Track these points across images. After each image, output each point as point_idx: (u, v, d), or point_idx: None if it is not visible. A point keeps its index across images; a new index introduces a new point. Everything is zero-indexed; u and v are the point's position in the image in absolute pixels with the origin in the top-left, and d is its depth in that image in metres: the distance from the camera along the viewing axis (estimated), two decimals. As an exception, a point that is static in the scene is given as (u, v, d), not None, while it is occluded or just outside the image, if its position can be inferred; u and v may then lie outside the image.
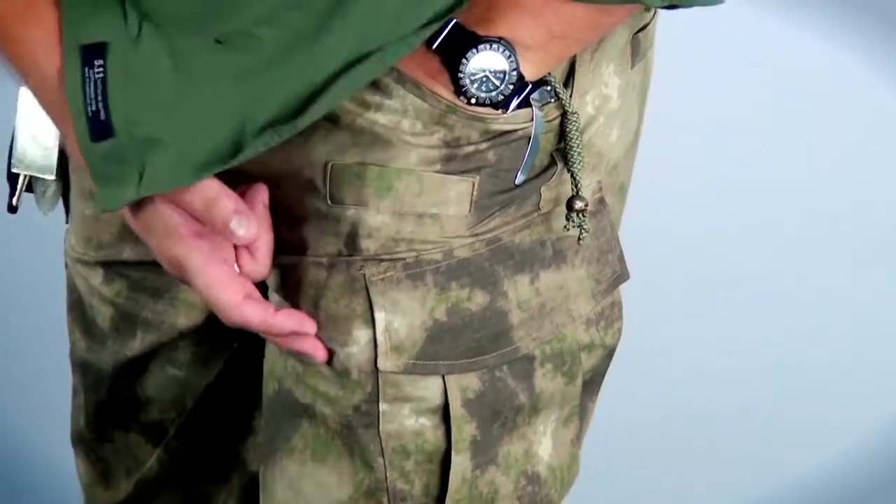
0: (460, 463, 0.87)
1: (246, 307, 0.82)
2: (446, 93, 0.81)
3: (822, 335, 2.03)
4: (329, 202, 0.84)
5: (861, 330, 2.04)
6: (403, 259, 0.84)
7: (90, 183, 0.96)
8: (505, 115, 0.82)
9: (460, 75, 0.80)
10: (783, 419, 1.94)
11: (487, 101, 0.81)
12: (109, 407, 1.07)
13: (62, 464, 1.13)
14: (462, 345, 0.86)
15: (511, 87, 0.81)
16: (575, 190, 0.85)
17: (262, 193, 0.82)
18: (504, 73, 0.80)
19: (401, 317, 0.85)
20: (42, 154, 0.99)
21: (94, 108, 0.76)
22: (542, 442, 0.90)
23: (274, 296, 0.90)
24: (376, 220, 0.83)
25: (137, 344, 1.02)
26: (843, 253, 2.09)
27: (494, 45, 0.79)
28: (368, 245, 0.84)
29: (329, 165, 0.83)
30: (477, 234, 0.85)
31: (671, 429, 1.92)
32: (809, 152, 2.13)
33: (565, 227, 0.85)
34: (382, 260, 0.84)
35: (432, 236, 0.84)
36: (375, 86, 0.80)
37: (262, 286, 0.92)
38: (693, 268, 2.03)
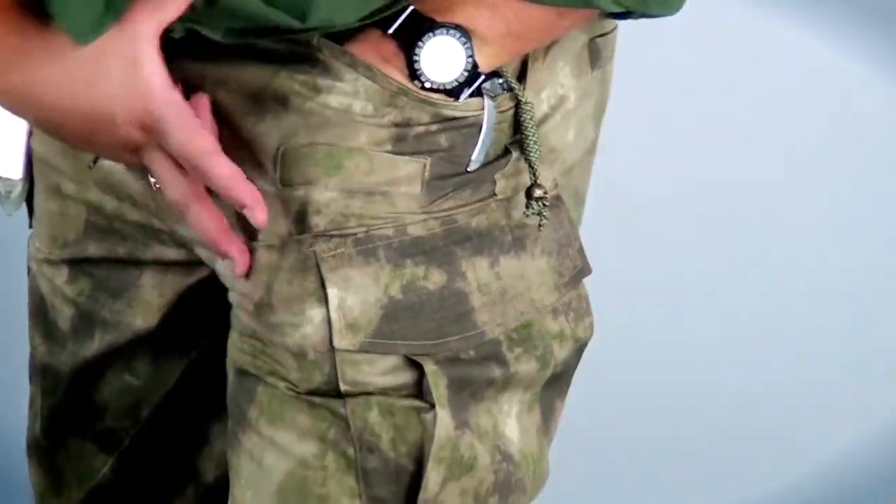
0: (444, 418, 0.87)
1: (221, 157, 0.81)
2: (399, 76, 0.82)
3: (822, 335, 2.04)
4: (279, 185, 0.85)
5: (861, 330, 2.04)
6: (354, 234, 0.85)
7: (56, 179, 0.98)
8: (456, 103, 0.83)
9: (415, 58, 0.82)
10: (782, 420, 1.95)
11: (441, 88, 0.83)
12: (65, 412, 1.06)
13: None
14: (422, 324, 0.86)
15: (465, 74, 0.83)
16: (533, 178, 0.86)
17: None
18: (458, 59, 0.82)
19: (354, 293, 0.85)
20: (8, 154, 0.99)
21: None
22: (508, 423, 0.91)
23: (235, 311, 0.91)
24: (325, 196, 0.84)
25: (95, 345, 1.02)
26: (841, 253, 2.10)
27: (451, 32, 0.81)
28: (318, 221, 0.85)
29: (280, 150, 0.84)
30: (430, 213, 0.86)
31: (666, 430, 1.92)
32: (809, 152, 2.13)
33: (525, 213, 0.87)
34: (332, 236, 0.85)
35: (382, 212, 0.85)
36: (326, 70, 0.82)
37: (219, 285, 0.93)
38: (692, 267, 2.03)
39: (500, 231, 0.88)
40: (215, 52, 0.83)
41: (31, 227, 1.05)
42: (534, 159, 0.86)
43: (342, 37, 0.82)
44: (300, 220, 0.85)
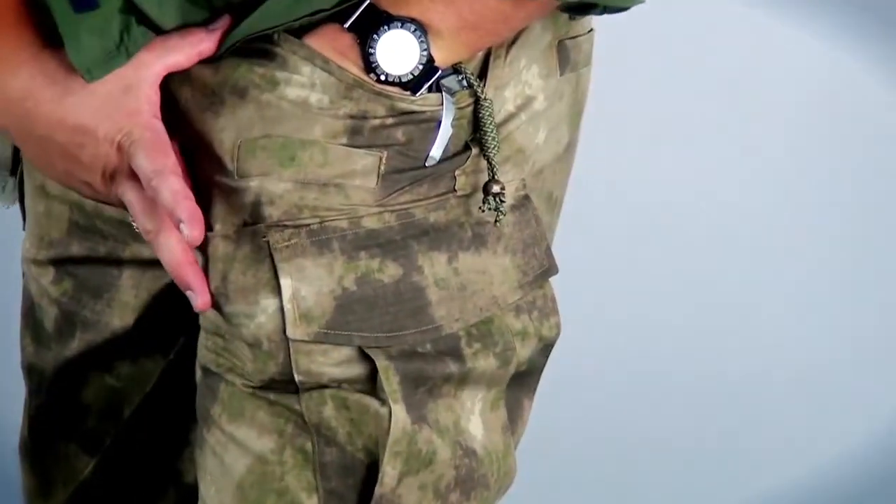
0: (398, 412, 0.87)
1: (175, 177, 0.83)
2: (355, 69, 0.84)
3: (822, 335, 2.01)
4: (236, 177, 0.86)
5: (861, 330, 2.02)
6: (308, 226, 0.86)
7: (41, 178, 1.00)
8: (412, 97, 0.84)
9: (370, 51, 0.83)
10: (782, 420, 1.94)
11: (396, 80, 0.84)
12: (50, 413, 1.08)
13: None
14: (377, 317, 0.87)
15: (420, 67, 0.84)
16: (491, 174, 0.87)
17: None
18: (413, 52, 0.83)
19: (307, 284, 0.86)
20: (1, 149, 1.02)
21: None
22: (472, 420, 0.91)
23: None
24: (279, 187, 0.85)
25: (75, 345, 1.03)
26: (841, 253, 2.07)
27: (406, 25, 0.83)
28: (271, 212, 0.86)
29: (237, 143, 0.85)
30: (385, 206, 0.86)
31: (666, 430, 1.91)
32: (808, 152, 2.11)
33: (480, 208, 0.87)
34: (286, 227, 0.86)
35: (337, 204, 0.86)
36: (285, 63, 0.84)
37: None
38: (691, 268, 2.02)
39: (459, 227, 0.88)
40: None
41: (24, 228, 1.07)
42: (492, 155, 0.87)
43: (301, 32, 0.84)
44: (254, 210, 0.86)
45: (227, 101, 0.85)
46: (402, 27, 0.83)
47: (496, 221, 0.88)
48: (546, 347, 0.94)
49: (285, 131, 0.85)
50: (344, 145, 0.85)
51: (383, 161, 0.86)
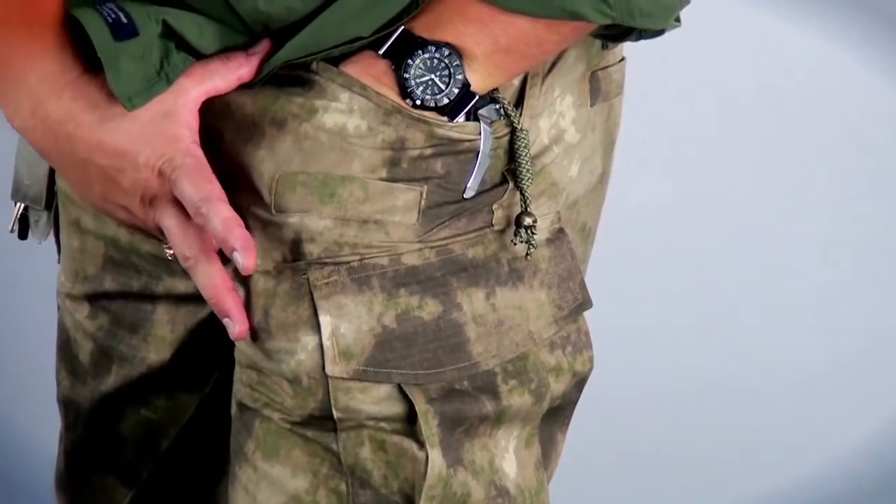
0: (435, 458, 0.87)
1: (224, 204, 0.83)
2: (392, 94, 0.84)
3: (821, 335, 2.01)
4: (273, 211, 0.86)
5: (861, 330, 2.02)
6: (348, 263, 0.86)
7: (76, 213, 1.00)
8: (450, 123, 0.84)
9: (405, 76, 0.83)
10: (782, 421, 1.94)
11: (433, 104, 0.84)
12: (87, 447, 1.08)
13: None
14: (416, 354, 0.87)
15: (456, 91, 0.84)
16: (523, 206, 0.87)
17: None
18: (448, 76, 0.83)
19: (347, 321, 0.86)
20: (34, 184, 1.02)
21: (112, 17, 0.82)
22: (506, 458, 0.90)
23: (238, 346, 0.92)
24: (319, 224, 0.85)
25: (111, 379, 1.03)
26: (841, 253, 2.08)
27: (440, 50, 0.83)
28: (311, 249, 0.86)
29: (276, 177, 0.85)
30: (425, 242, 0.86)
31: (664, 433, 1.91)
32: (807, 153, 2.11)
33: (512, 241, 0.87)
34: (326, 264, 0.86)
35: (377, 241, 0.86)
36: (322, 91, 0.84)
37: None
38: (690, 268, 2.02)
39: (497, 262, 0.88)
40: None
41: (59, 262, 1.08)
42: (525, 187, 0.87)
43: (338, 61, 0.84)
44: (294, 247, 0.86)
45: (266, 132, 0.85)
46: (436, 52, 0.83)
47: (527, 255, 0.88)
48: (580, 382, 0.94)
49: (324, 166, 0.85)
50: (384, 180, 0.85)
51: (424, 196, 0.86)
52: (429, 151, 0.85)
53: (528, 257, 0.88)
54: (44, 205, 1.03)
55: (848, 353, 2.01)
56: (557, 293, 0.91)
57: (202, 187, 0.83)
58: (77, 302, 1.04)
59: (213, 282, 0.86)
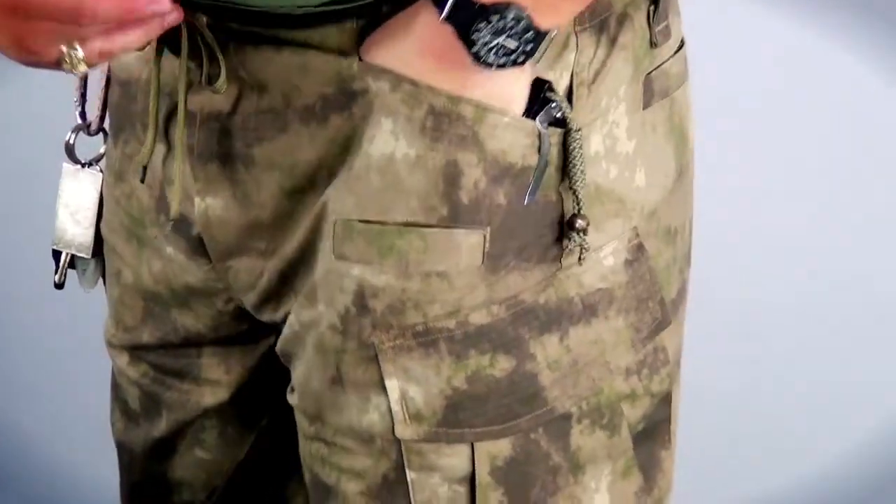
0: None
1: None
2: (447, 85, 0.80)
3: (822, 336, 2.01)
4: (334, 256, 0.84)
5: (861, 331, 2.01)
6: (413, 326, 0.84)
7: (118, 265, 1.00)
8: (506, 120, 0.81)
9: (475, 49, 0.79)
10: (781, 421, 1.94)
11: (509, 64, 0.79)
12: (143, 489, 1.07)
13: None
14: (490, 411, 0.85)
15: (530, 44, 0.79)
16: (577, 208, 0.84)
17: None
18: (518, 35, 0.78)
19: (415, 385, 0.84)
20: (80, 232, 1.02)
21: None
22: (596, 499, 0.88)
23: (299, 391, 0.90)
24: (381, 280, 0.83)
25: (163, 424, 1.02)
26: (839, 252, 2.06)
27: (505, 14, 0.78)
28: (375, 305, 0.84)
29: (335, 222, 0.83)
30: (493, 296, 0.84)
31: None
32: (808, 153, 2.09)
33: (564, 245, 0.84)
34: (392, 327, 0.84)
35: (441, 296, 0.83)
36: (369, 107, 0.82)
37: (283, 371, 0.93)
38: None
39: (569, 303, 0.85)
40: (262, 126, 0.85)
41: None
42: (578, 188, 0.83)
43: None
44: (358, 300, 0.84)
45: (324, 175, 0.83)
46: (500, 18, 0.78)
47: (580, 259, 0.85)
48: (663, 400, 0.91)
49: (380, 212, 0.82)
50: (444, 226, 0.82)
51: (487, 238, 0.83)
52: (484, 181, 0.82)
53: (581, 261, 0.85)
54: (91, 253, 1.02)
55: (848, 353, 2.00)
56: (636, 316, 0.88)
57: None
58: (117, 350, 1.03)
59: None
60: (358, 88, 0.82)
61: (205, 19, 0.83)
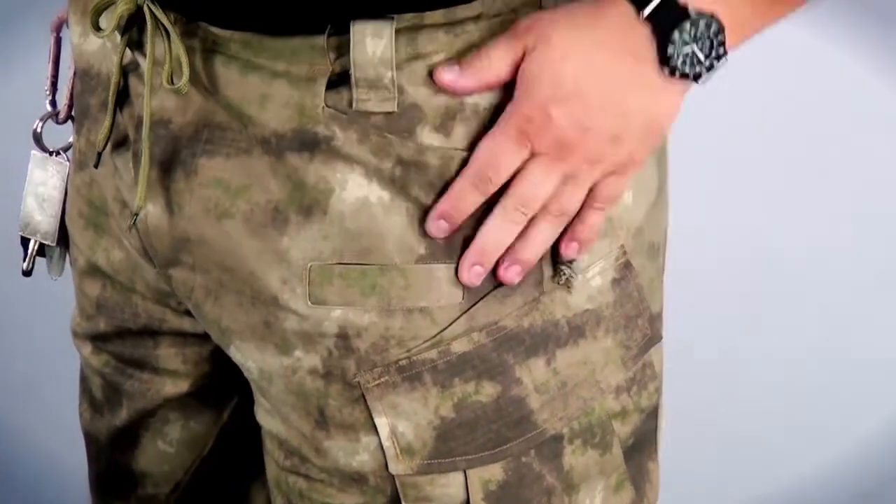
0: None
1: None
2: (624, 76, 0.78)
3: (823, 335, 1.99)
4: (309, 302, 0.83)
5: (864, 330, 2.00)
6: (396, 362, 0.83)
7: (76, 254, 0.99)
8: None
9: (670, 52, 0.78)
10: (781, 421, 1.94)
11: (691, 76, 0.79)
12: (108, 479, 1.07)
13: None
14: (480, 437, 0.84)
15: (716, 60, 0.79)
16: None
17: None
18: (710, 47, 0.78)
19: (404, 420, 0.84)
20: (46, 220, 1.02)
21: None
22: None
23: (269, 417, 0.90)
24: (364, 319, 0.82)
25: (124, 414, 1.02)
26: (843, 253, 2.04)
27: (707, 21, 0.78)
28: (359, 344, 0.83)
29: (309, 268, 0.82)
30: (474, 324, 0.83)
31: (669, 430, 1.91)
32: (809, 154, 2.08)
33: (553, 278, 0.84)
34: (375, 365, 0.83)
35: (423, 332, 0.83)
36: (334, 155, 0.81)
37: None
38: (693, 266, 2.00)
39: (555, 326, 0.84)
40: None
41: (77, 295, 1.07)
42: None
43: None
44: (342, 342, 0.83)
45: (292, 220, 0.82)
46: (702, 24, 0.78)
47: (569, 288, 0.84)
48: (651, 413, 0.91)
49: (359, 254, 0.81)
50: (423, 258, 0.82)
51: None
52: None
53: (570, 290, 0.84)
54: (56, 240, 1.02)
55: (848, 353, 1.99)
56: (625, 334, 0.87)
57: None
58: (81, 340, 1.03)
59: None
60: (322, 134, 0.81)
61: (179, 29, 0.82)
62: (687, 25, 0.77)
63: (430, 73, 0.79)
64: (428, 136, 0.80)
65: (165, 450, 1.04)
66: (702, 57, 0.78)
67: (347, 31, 0.78)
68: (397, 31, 0.78)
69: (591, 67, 0.78)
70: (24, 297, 1.70)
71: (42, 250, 1.04)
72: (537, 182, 0.79)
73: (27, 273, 1.04)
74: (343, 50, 0.79)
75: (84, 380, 1.06)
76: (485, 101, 0.80)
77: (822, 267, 2.01)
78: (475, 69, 0.79)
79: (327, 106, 0.80)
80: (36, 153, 1.01)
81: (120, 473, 1.06)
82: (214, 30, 0.81)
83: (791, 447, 1.93)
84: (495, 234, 0.81)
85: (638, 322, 0.88)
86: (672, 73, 0.78)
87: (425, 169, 0.80)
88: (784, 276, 2.01)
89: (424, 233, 0.81)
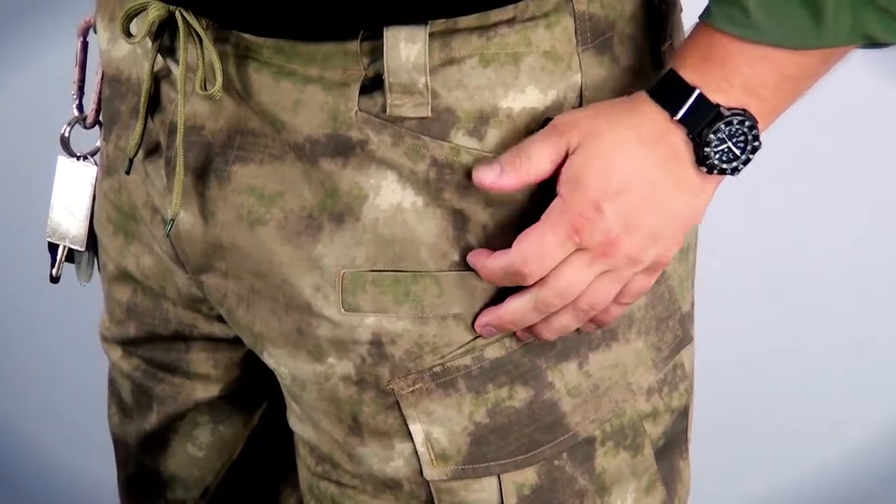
0: None
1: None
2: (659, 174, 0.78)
3: (824, 335, 1.99)
4: (343, 310, 0.83)
5: (864, 330, 2.00)
6: (430, 369, 0.83)
7: (104, 259, 0.99)
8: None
9: (706, 152, 0.78)
10: (781, 420, 1.94)
11: (729, 171, 0.79)
12: (138, 483, 1.07)
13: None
14: (513, 442, 0.84)
15: (751, 155, 0.78)
16: None
17: None
18: (745, 142, 0.78)
19: (439, 426, 0.84)
20: (75, 225, 1.01)
21: None
22: None
23: (301, 423, 0.90)
24: (398, 326, 0.82)
25: (154, 418, 1.02)
26: (839, 251, 2.04)
27: (741, 120, 0.77)
28: (393, 351, 0.83)
29: (343, 275, 0.82)
30: (507, 333, 0.83)
31: None
32: (810, 154, 2.07)
33: None
34: (409, 372, 0.83)
35: (457, 339, 0.83)
36: (362, 167, 0.80)
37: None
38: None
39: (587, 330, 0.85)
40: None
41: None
42: None
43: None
44: (375, 349, 0.83)
45: (326, 227, 0.82)
46: (736, 123, 0.77)
47: None
48: (682, 413, 0.91)
49: (392, 261, 0.81)
50: (456, 266, 0.81)
51: None
52: (491, 224, 0.81)
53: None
54: (85, 245, 1.02)
55: (848, 353, 1.99)
56: (656, 336, 0.87)
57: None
58: (110, 343, 1.03)
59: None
60: (356, 139, 0.80)
61: (211, 35, 0.81)
62: (722, 125, 0.77)
63: (463, 80, 0.79)
64: (462, 140, 0.80)
65: (195, 454, 1.04)
66: (738, 152, 0.78)
67: (380, 36, 0.78)
68: (430, 36, 0.78)
69: (637, 165, 0.77)
70: (27, 299, 1.71)
71: (70, 256, 1.03)
72: (579, 278, 0.79)
73: (55, 280, 1.04)
74: (376, 55, 0.79)
75: (112, 383, 1.06)
76: (517, 105, 0.80)
77: (823, 267, 2.00)
78: (516, 168, 0.78)
79: (360, 110, 0.80)
80: (63, 158, 1.01)
81: (149, 477, 1.06)
82: (247, 36, 0.81)
83: (791, 447, 1.93)
84: (521, 316, 0.81)
85: (669, 323, 0.88)
86: (710, 171, 0.78)
87: (459, 170, 0.80)
88: (782, 276, 2.01)
89: (458, 238, 0.81)
